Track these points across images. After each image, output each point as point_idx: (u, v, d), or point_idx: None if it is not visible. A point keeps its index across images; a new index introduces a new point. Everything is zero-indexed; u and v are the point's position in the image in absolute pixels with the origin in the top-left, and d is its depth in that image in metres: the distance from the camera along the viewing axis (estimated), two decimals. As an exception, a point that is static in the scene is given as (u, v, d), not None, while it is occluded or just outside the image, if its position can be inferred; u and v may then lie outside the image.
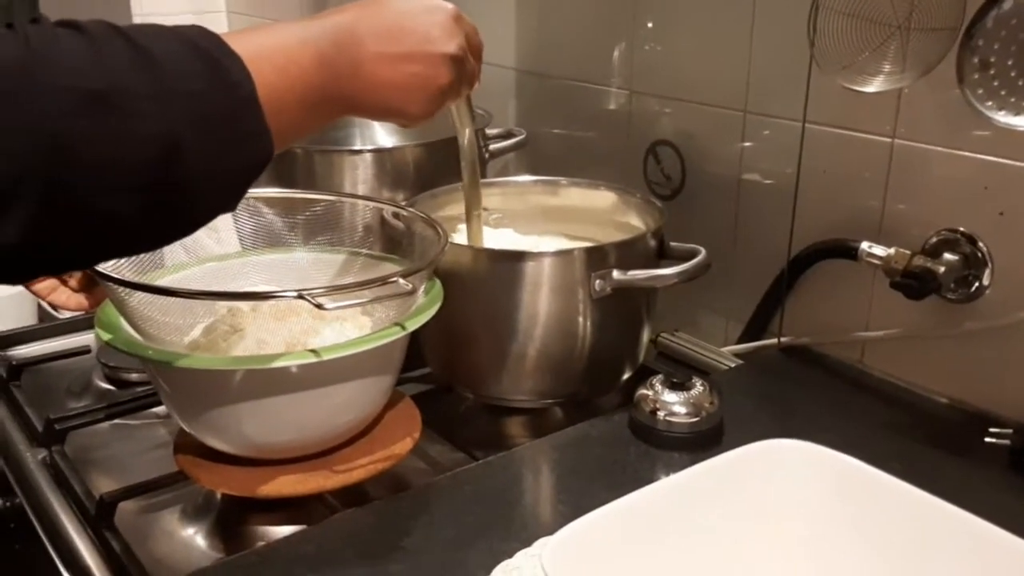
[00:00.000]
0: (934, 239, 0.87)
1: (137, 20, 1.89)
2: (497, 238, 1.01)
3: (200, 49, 0.50)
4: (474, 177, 0.89)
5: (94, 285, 0.78)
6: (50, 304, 0.79)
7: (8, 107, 0.43)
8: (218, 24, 2.03)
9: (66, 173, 0.44)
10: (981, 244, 0.84)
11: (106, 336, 0.74)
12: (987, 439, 0.80)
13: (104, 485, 0.82)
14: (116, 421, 0.95)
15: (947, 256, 0.85)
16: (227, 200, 0.53)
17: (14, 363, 1.05)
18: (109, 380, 1.04)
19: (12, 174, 0.43)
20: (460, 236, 0.94)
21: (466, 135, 0.85)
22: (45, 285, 0.77)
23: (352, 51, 0.59)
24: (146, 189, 0.47)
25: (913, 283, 0.84)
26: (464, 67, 0.68)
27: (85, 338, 1.12)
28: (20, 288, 0.77)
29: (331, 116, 0.60)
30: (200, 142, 0.48)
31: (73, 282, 0.78)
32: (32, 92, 0.43)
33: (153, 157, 0.46)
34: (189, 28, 0.51)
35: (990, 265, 0.83)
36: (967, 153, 0.83)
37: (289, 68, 0.55)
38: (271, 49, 0.55)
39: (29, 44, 0.44)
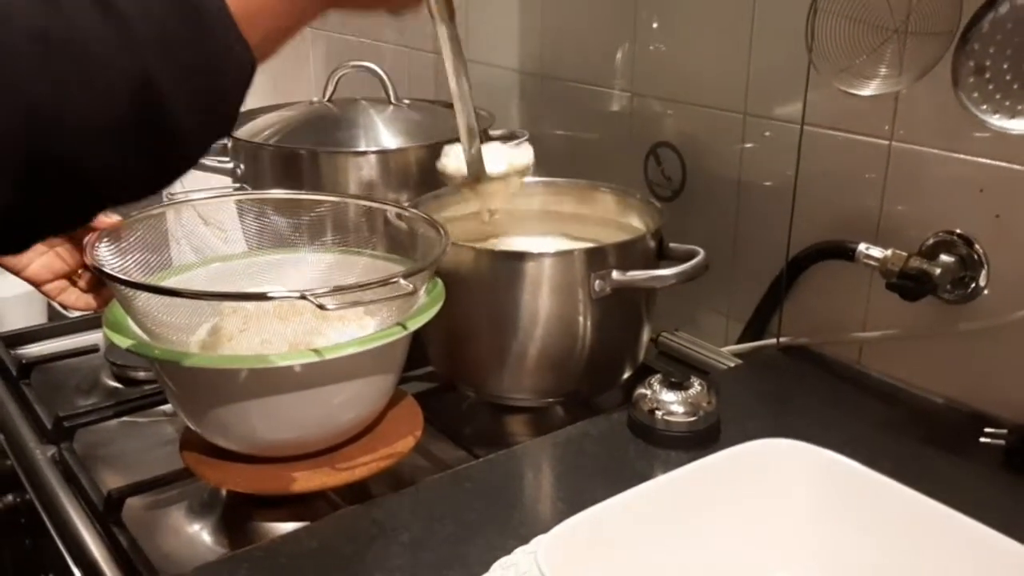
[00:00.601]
0: (931, 241, 0.87)
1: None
2: (499, 239, 1.02)
3: None
4: (457, 74, 0.83)
5: (102, 285, 0.79)
6: (59, 304, 0.80)
7: None
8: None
9: (43, 133, 0.43)
10: (977, 246, 0.84)
11: (118, 339, 0.75)
12: (982, 439, 0.80)
13: (112, 481, 0.84)
14: (124, 419, 0.96)
15: (943, 258, 0.85)
16: (218, 126, 0.50)
17: (24, 361, 1.07)
18: (117, 378, 1.05)
19: None
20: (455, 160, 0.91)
21: (446, 29, 0.79)
22: (55, 285, 0.78)
23: None
24: (127, 138, 0.45)
25: (909, 284, 0.84)
26: None
27: (93, 337, 1.13)
28: (30, 288, 0.78)
29: (313, 12, 0.56)
30: (173, 76, 0.46)
31: (82, 283, 0.79)
32: None
33: (128, 104, 0.44)
34: None
35: (986, 267, 0.84)
36: (964, 156, 0.84)
37: None
38: None
39: None
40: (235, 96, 0.50)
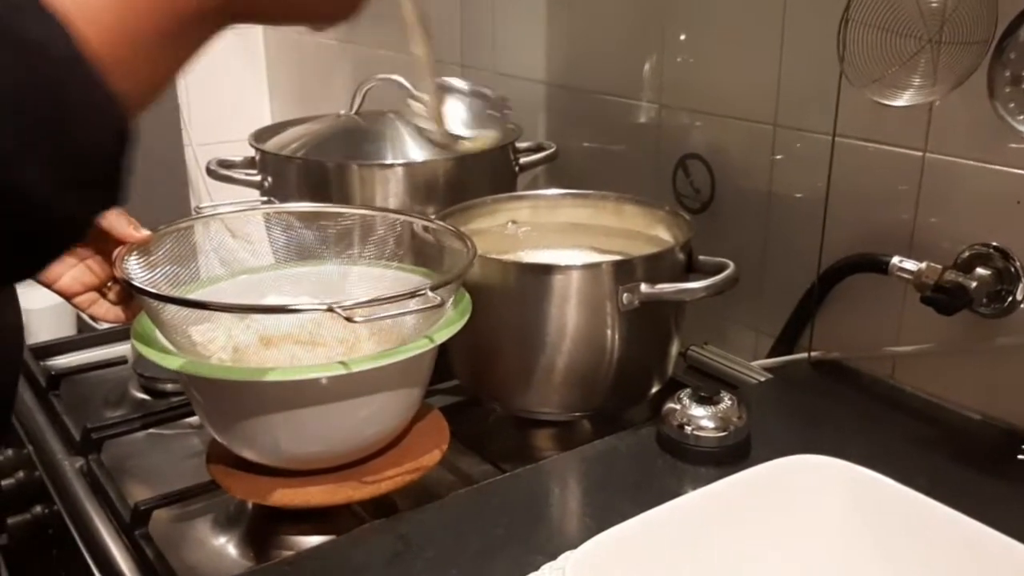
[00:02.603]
0: (966, 253, 0.86)
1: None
2: (527, 251, 1.01)
3: None
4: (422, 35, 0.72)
5: (131, 298, 0.79)
6: (89, 316, 0.81)
7: None
8: (254, 36, 2.06)
9: None
10: (1014, 258, 0.83)
11: (146, 351, 0.76)
12: (1020, 456, 0.79)
13: (139, 493, 0.84)
14: (151, 431, 0.97)
15: (979, 271, 0.84)
16: (92, 201, 0.40)
17: (53, 373, 1.07)
18: (145, 390, 1.06)
19: None
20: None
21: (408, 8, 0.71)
22: (84, 298, 0.79)
23: None
24: None
25: (944, 298, 0.83)
26: None
27: (122, 349, 1.14)
28: (60, 300, 0.79)
29: (212, 33, 0.44)
30: (19, 142, 0.35)
31: (111, 295, 0.80)
32: None
33: None
34: None
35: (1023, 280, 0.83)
36: (999, 167, 0.82)
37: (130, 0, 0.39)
38: None
39: None
40: (108, 159, 0.39)
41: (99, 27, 0.37)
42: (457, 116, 0.88)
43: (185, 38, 0.42)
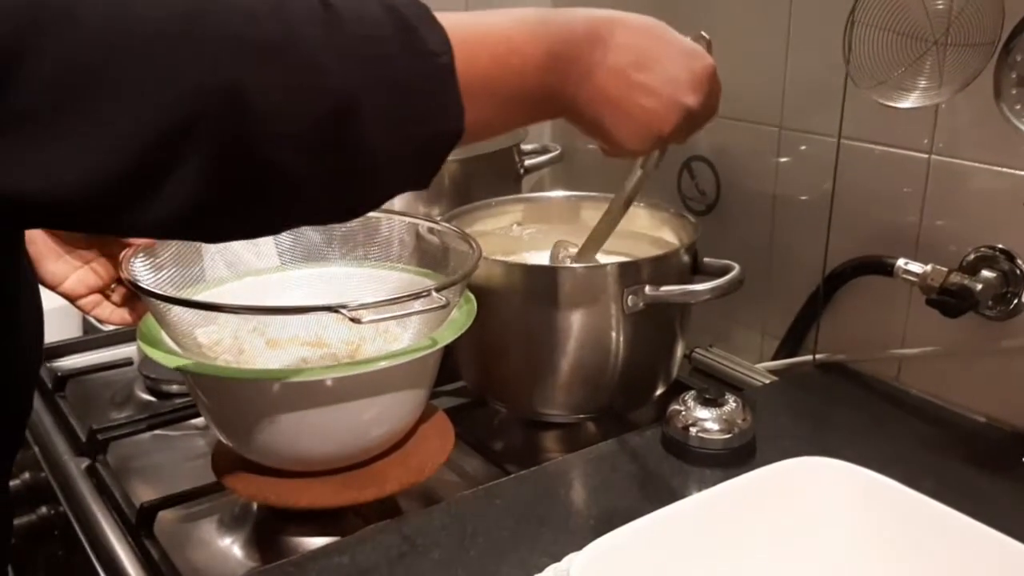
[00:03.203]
0: (972, 256, 0.86)
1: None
2: (530, 253, 1.01)
3: (397, 14, 0.47)
4: (614, 210, 0.86)
5: (136, 299, 0.79)
6: (94, 318, 0.81)
7: (178, 51, 0.40)
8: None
9: (238, 121, 0.42)
10: (1020, 261, 0.83)
11: (151, 353, 0.76)
12: (1026, 459, 0.79)
13: (144, 494, 0.84)
14: (157, 431, 0.97)
15: (985, 273, 0.84)
16: (407, 175, 0.50)
17: (59, 374, 1.08)
18: (150, 391, 1.06)
19: (185, 120, 0.40)
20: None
21: (640, 175, 0.82)
22: (89, 300, 0.79)
23: (591, 55, 0.55)
24: (318, 145, 0.44)
25: (950, 300, 0.83)
26: (693, 124, 0.63)
27: (128, 350, 1.14)
28: (65, 302, 0.79)
29: (542, 116, 0.56)
30: (379, 107, 0.45)
31: (116, 296, 0.80)
32: (203, 39, 0.41)
33: (326, 114, 0.44)
34: None
35: (1029, 282, 0.82)
36: (1006, 169, 0.82)
37: (510, 60, 0.51)
38: (494, 35, 0.51)
39: None
40: (433, 151, 0.49)
41: (477, 67, 0.49)
42: None
43: (521, 105, 0.53)
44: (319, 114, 0.44)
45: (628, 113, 0.57)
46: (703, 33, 0.69)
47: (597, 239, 0.89)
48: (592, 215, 1.04)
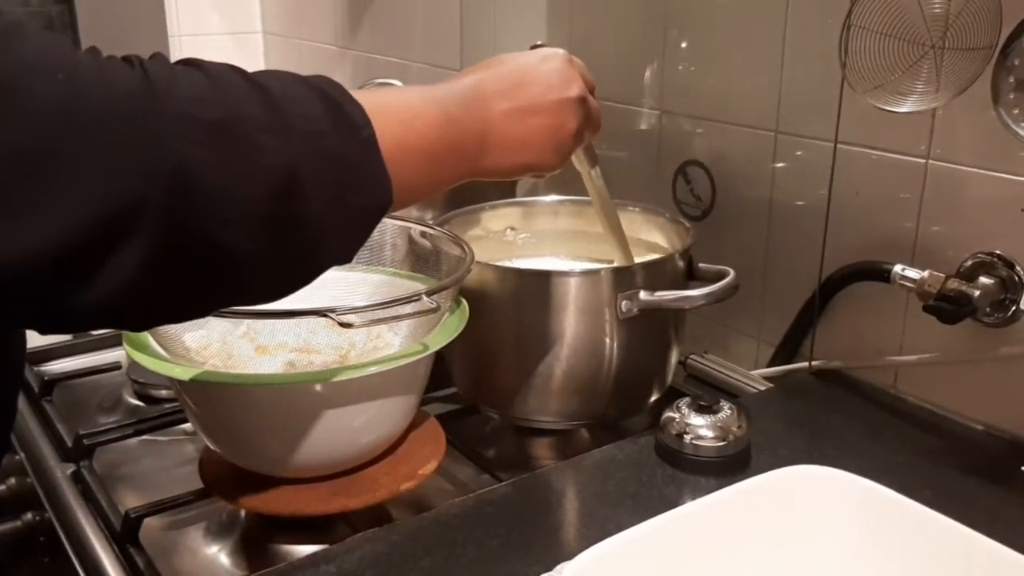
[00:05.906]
0: (969, 262, 0.85)
1: (174, 40, 1.92)
2: (524, 258, 1.01)
3: (321, 92, 0.50)
4: (607, 212, 0.90)
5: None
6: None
7: (128, 131, 0.42)
8: (254, 44, 2.06)
9: (185, 202, 0.43)
10: (1018, 267, 0.82)
11: (139, 357, 0.75)
12: (1024, 467, 0.78)
13: (131, 500, 0.83)
14: (144, 437, 0.96)
15: (983, 279, 0.83)
16: (346, 246, 0.52)
17: (46, 378, 1.06)
18: (138, 396, 1.05)
19: (132, 201, 0.41)
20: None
21: (592, 175, 0.86)
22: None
23: (480, 111, 0.61)
24: (266, 223, 0.46)
25: (947, 307, 0.82)
26: (588, 107, 0.69)
27: (116, 354, 1.13)
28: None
29: (455, 176, 0.61)
30: (320, 179, 0.48)
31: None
32: (151, 117, 0.42)
33: (273, 189, 0.46)
34: (313, 77, 0.52)
35: (1027, 289, 0.82)
36: (1003, 174, 0.82)
37: (414, 123, 0.56)
38: (396, 104, 0.56)
39: (147, 74, 0.44)
40: (368, 222, 0.52)
41: (387, 132, 0.52)
42: None
43: (435, 163, 0.57)
44: (266, 190, 0.45)
45: (535, 140, 0.64)
46: (538, 42, 0.77)
47: (619, 238, 0.92)
48: (586, 220, 1.03)
